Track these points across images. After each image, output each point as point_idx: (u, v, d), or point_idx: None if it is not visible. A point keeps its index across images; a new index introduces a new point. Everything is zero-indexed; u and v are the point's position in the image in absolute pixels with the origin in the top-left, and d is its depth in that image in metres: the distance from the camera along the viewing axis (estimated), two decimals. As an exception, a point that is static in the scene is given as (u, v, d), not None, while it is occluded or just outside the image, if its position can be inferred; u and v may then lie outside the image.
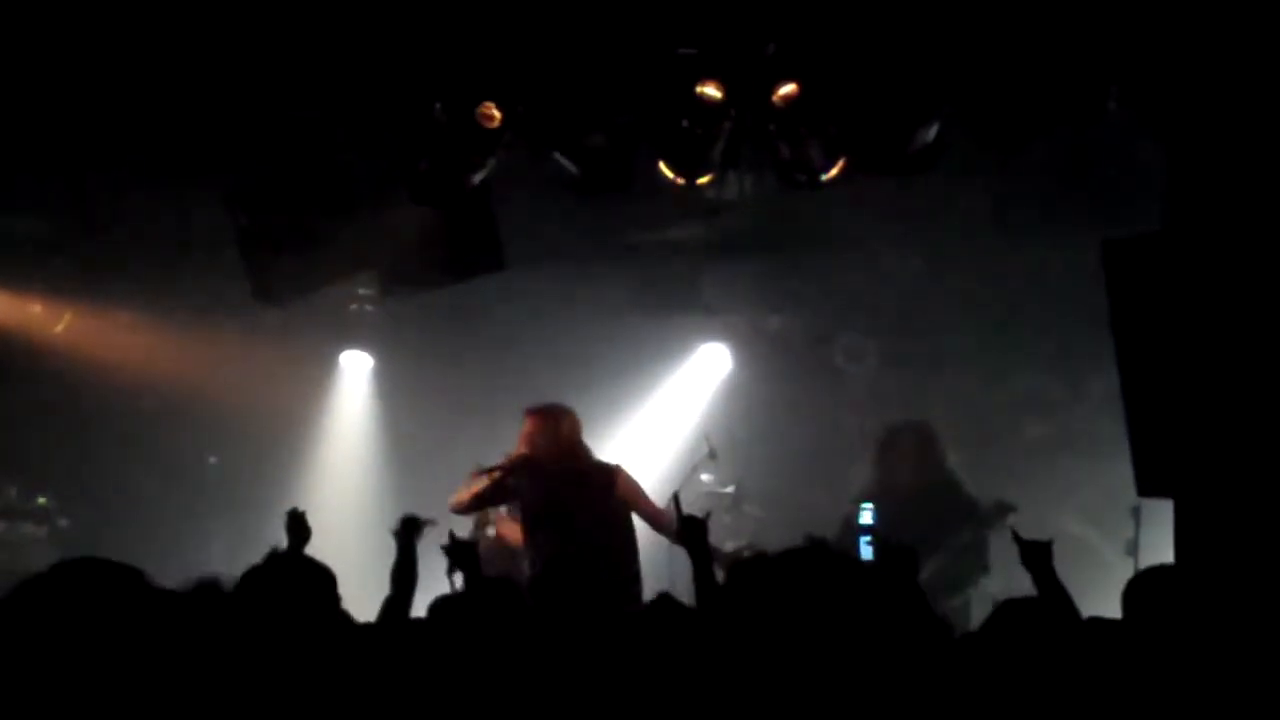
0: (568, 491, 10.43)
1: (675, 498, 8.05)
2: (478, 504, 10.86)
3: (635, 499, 10.52)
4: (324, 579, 6.26)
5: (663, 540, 10.79)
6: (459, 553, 7.76)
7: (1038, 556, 6.87)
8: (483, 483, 10.62)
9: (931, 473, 12.37)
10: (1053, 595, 6.62)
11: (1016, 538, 7.00)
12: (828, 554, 3.77)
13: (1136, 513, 11.47)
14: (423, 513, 8.31)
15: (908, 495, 11.98)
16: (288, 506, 8.44)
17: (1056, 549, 6.89)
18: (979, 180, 11.60)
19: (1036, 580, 6.79)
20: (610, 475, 10.55)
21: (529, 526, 10.63)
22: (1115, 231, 9.43)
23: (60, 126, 10.59)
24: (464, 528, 10.21)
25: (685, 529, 7.36)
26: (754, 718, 3.65)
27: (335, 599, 6.23)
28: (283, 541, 8.05)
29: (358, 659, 5.80)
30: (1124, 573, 11.03)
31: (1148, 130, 9.75)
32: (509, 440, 10.83)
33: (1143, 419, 9.07)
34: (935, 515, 11.60)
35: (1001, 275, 13.45)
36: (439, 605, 6.48)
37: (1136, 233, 9.45)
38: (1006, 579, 9.50)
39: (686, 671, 4.84)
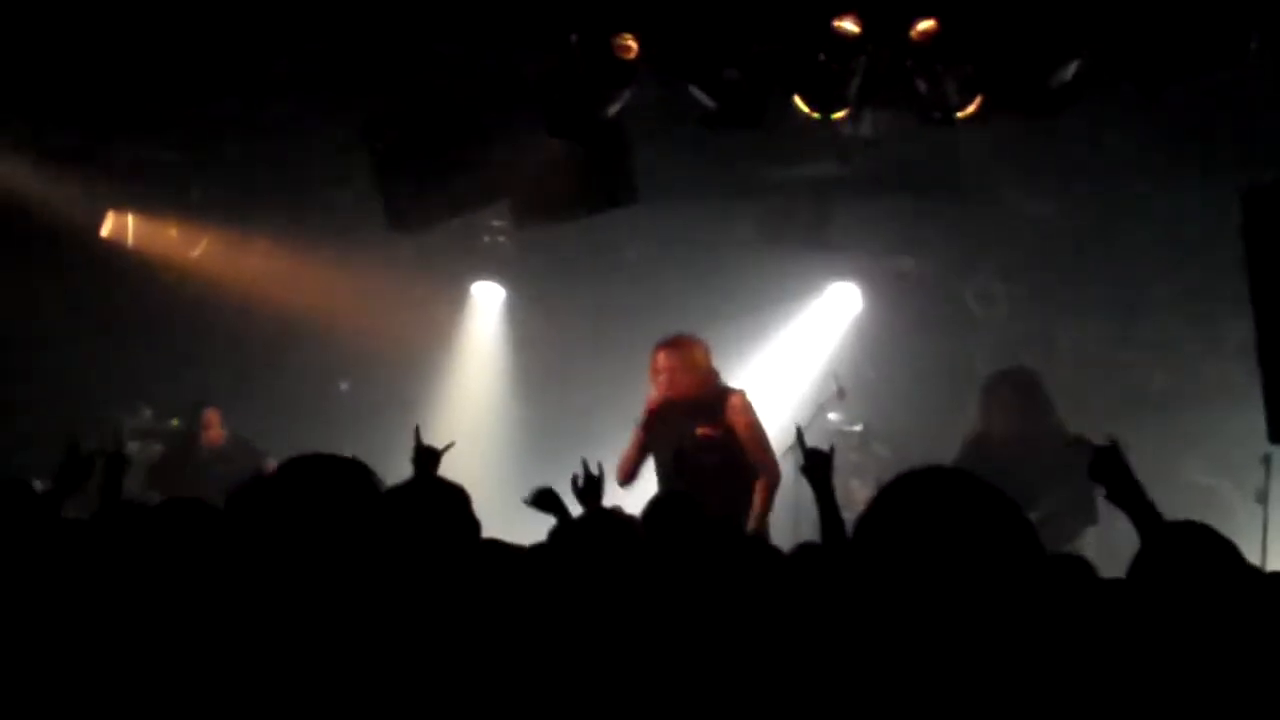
0: (697, 423, 10.35)
1: (799, 432, 8.04)
2: (635, 466, 10.53)
3: (737, 424, 10.29)
4: (458, 499, 6.32)
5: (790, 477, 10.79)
6: (587, 489, 7.89)
7: (1108, 462, 6.24)
8: (632, 439, 10.49)
9: (1032, 422, 12.19)
10: (1136, 505, 6.07)
11: (1085, 443, 6.51)
12: (956, 475, 3.72)
13: (1267, 461, 11.33)
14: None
15: (1005, 443, 11.82)
16: (416, 436, 8.47)
17: (1185, 498, 6.45)
18: (1115, 123, 11.47)
19: (1111, 491, 6.21)
20: (722, 399, 10.40)
21: (660, 463, 10.58)
22: (1253, 178, 9.34)
23: (198, 55, 10.70)
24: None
25: (809, 463, 7.35)
26: (890, 661, 3.60)
27: (471, 519, 6.27)
28: (406, 471, 8.11)
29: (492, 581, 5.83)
30: (1253, 521, 11.04)
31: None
32: (639, 374, 10.82)
33: (1276, 366, 9.00)
34: (1037, 465, 11.38)
35: (1135, 221, 13.33)
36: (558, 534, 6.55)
37: (1276, 180, 9.36)
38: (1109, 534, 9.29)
39: (819, 612, 4.85)
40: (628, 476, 10.42)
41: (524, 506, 7.99)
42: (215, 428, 13.81)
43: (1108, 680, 3.86)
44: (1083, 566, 5.58)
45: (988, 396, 12.27)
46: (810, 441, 7.77)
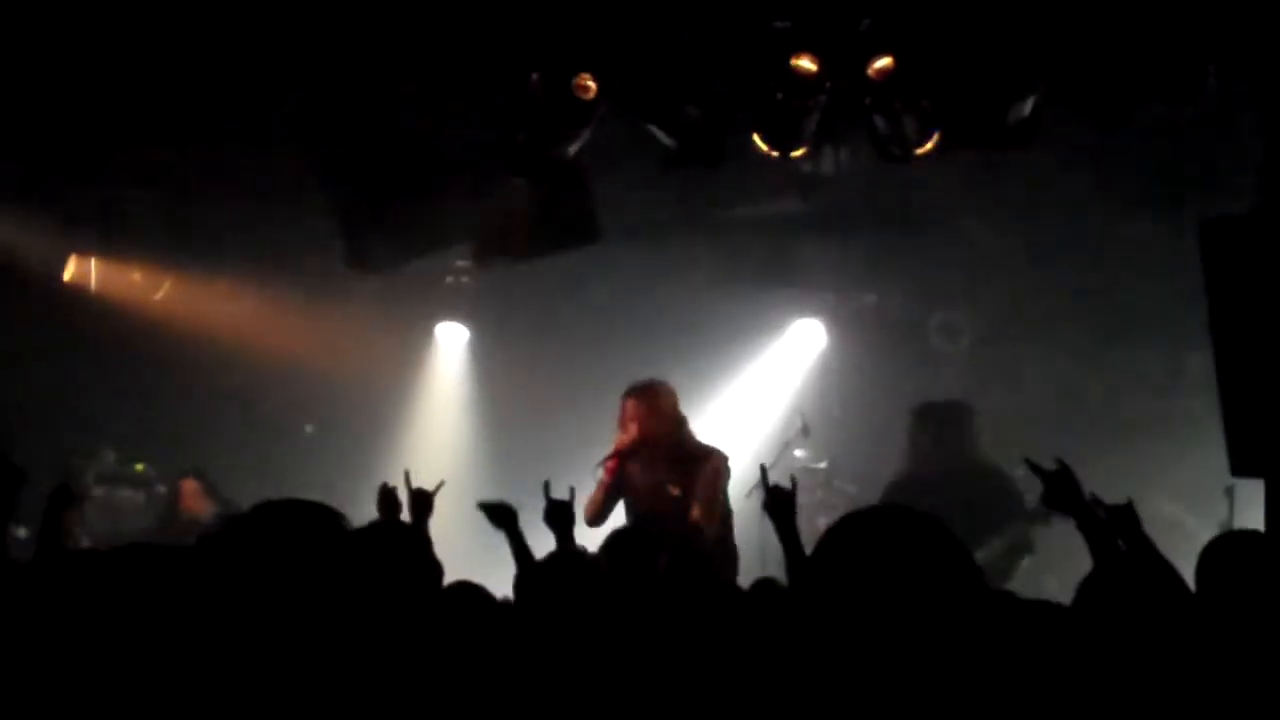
0: (669, 472, 10.33)
1: (763, 470, 8.03)
2: (603, 508, 10.49)
3: (700, 480, 10.22)
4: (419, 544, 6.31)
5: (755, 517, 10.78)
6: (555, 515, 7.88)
7: (1125, 522, 6.41)
8: (600, 481, 10.48)
9: (954, 458, 12.12)
10: (1149, 560, 6.16)
11: (1100, 504, 6.67)
12: (910, 513, 3.73)
13: (1230, 493, 11.35)
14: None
15: (929, 482, 11.75)
16: (381, 479, 8.48)
17: (1151, 530, 6.54)
18: (1076, 158, 11.51)
19: (1129, 547, 6.31)
20: (702, 459, 10.37)
21: (630, 507, 10.54)
22: (1213, 210, 9.37)
23: (160, 98, 10.68)
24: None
25: (771, 500, 7.34)
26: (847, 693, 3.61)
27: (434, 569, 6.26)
28: (374, 514, 8.10)
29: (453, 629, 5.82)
30: (1218, 553, 11.04)
31: (1246, 109, 9.67)
32: (604, 414, 10.82)
33: (1237, 398, 9.01)
34: (963, 502, 11.16)
35: (1099, 254, 13.37)
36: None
37: (1234, 212, 9.39)
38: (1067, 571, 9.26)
39: (779, 649, 4.85)
40: (597, 517, 10.40)
41: (489, 547, 7.98)
42: (192, 497, 13.70)
43: (1050, 710, 3.87)
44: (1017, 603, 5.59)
45: (909, 434, 12.24)
46: (775, 479, 7.76)
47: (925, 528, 3.63)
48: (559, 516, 8.02)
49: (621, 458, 10.43)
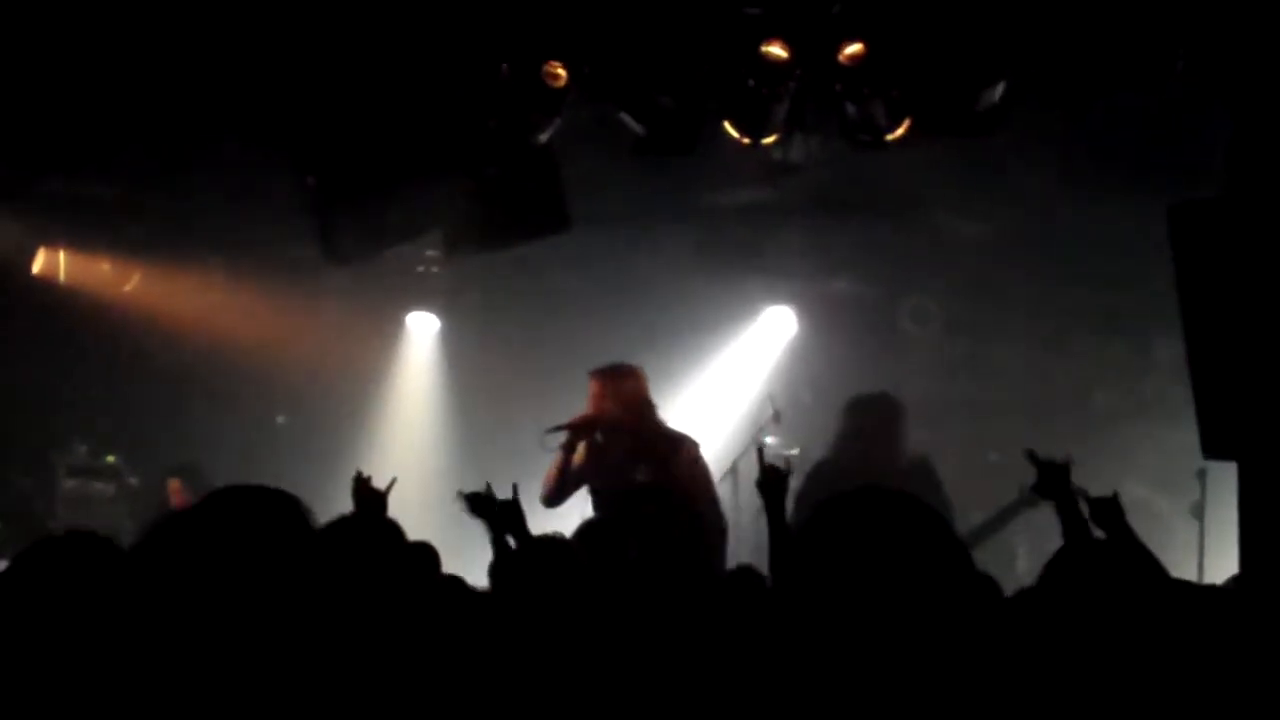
0: (633, 456, 10.27)
1: (759, 449, 7.97)
2: (560, 486, 10.43)
3: (683, 477, 10.07)
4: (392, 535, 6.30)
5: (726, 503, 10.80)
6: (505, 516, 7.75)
7: (1108, 513, 6.59)
8: (554, 458, 10.41)
9: (880, 448, 12.05)
10: (1130, 548, 6.32)
11: (1084, 497, 6.77)
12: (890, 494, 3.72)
13: (1202, 476, 11.41)
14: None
15: (848, 472, 11.66)
16: (355, 468, 8.43)
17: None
18: (1045, 143, 11.54)
19: (1112, 537, 6.46)
20: (674, 446, 10.32)
21: (592, 491, 10.51)
22: (1181, 196, 9.40)
23: (128, 90, 10.65)
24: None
25: (765, 478, 7.34)
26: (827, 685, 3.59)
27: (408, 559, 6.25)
28: (349, 505, 8.06)
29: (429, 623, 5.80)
30: (1189, 536, 11.11)
31: (1214, 94, 9.70)
32: (576, 401, 10.81)
33: (1208, 382, 9.04)
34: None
35: (1068, 240, 13.41)
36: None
37: (1203, 197, 9.42)
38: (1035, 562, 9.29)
39: (761, 636, 4.85)
40: (553, 497, 10.37)
41: (462, 538, 7.94)
42: (176, 495, 13.67)
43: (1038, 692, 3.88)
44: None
45: (842, 425, 12.15)
46: (744, 467, 7.78)
47: (914, 510, 3.63)
48: (512, 519, 7.87)
49: (576, 435, 10.38)
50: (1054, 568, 5.06)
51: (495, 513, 7.65)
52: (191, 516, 4.46)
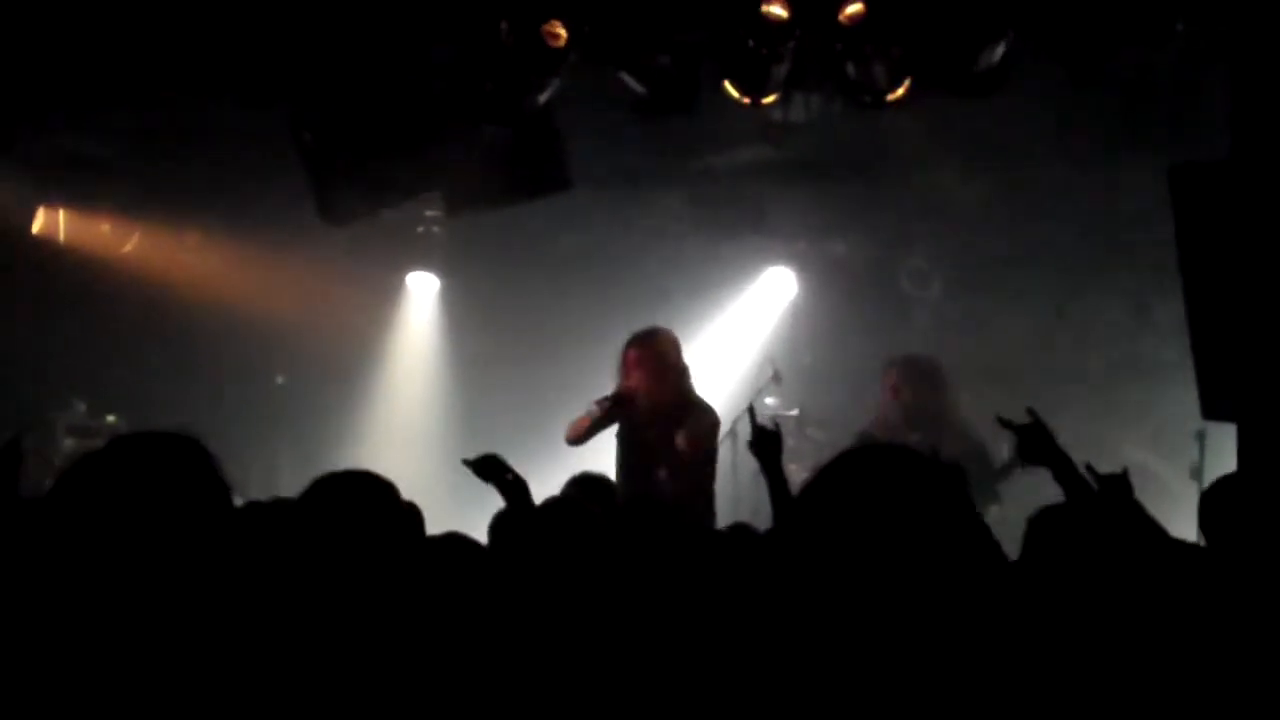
0: (662, 427, 10.26)
1: (750, 410, 7.98)
2: (590, 433, 10.40)
3: (694, 429, 10.19)
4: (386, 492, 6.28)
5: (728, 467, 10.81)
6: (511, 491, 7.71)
7: (1118, 491, 6.25)
8: (593, 413, 10.36)
9: (928, 408, 12.12)
10: (1068, 479, 6.16)
11: (1092, 472, 6.61)
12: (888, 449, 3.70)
13: (1201, 437, 11.40)
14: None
15: (901, 429, 11.74)
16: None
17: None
18: (1045, 104, 11.52)
19: (1051, 468, 6.26)
20: (695, 415, 10.30)
21: (621, 456, 10.50)
22: (1181, 157, 9.40)
23: (129, 48, 10.62)
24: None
25: (757, 440, 7.32)
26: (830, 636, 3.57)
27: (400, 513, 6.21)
28: (343, 463, 8.01)
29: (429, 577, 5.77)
30: (1188, 498, 11.10)
31: (1215, 55, 9.69)
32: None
33: (1207, 343, 9.06)
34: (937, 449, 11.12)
35: (1067, 201, 13.41)
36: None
37: (1203, 158, 9.42)
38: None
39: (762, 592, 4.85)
40: (578, 439, 10.37)
41: (463, 500, 7.91)
42: None
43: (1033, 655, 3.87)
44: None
45: (884, 383, 12.25)
46: (743, 430, 7.75)
47: (924, 468, 3.61)
48: (517, 494, 7.82)
49: (618, 405, 10.36)
50: (1038, 526, 5.06)
51: (504, 473, 7.57)
52: (95, 462, 4.37)
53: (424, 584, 5.47)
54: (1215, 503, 5.94)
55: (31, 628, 4.03)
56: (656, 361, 10.31)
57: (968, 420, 11.97)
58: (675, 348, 10.47)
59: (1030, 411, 6.49)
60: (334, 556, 4.92)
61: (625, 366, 10.40)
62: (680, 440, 10.09)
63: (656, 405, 10.30)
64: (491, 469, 7.56)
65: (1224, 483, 6.18)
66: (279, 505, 5.75)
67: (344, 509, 5.16)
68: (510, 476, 7.41)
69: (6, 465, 6.73)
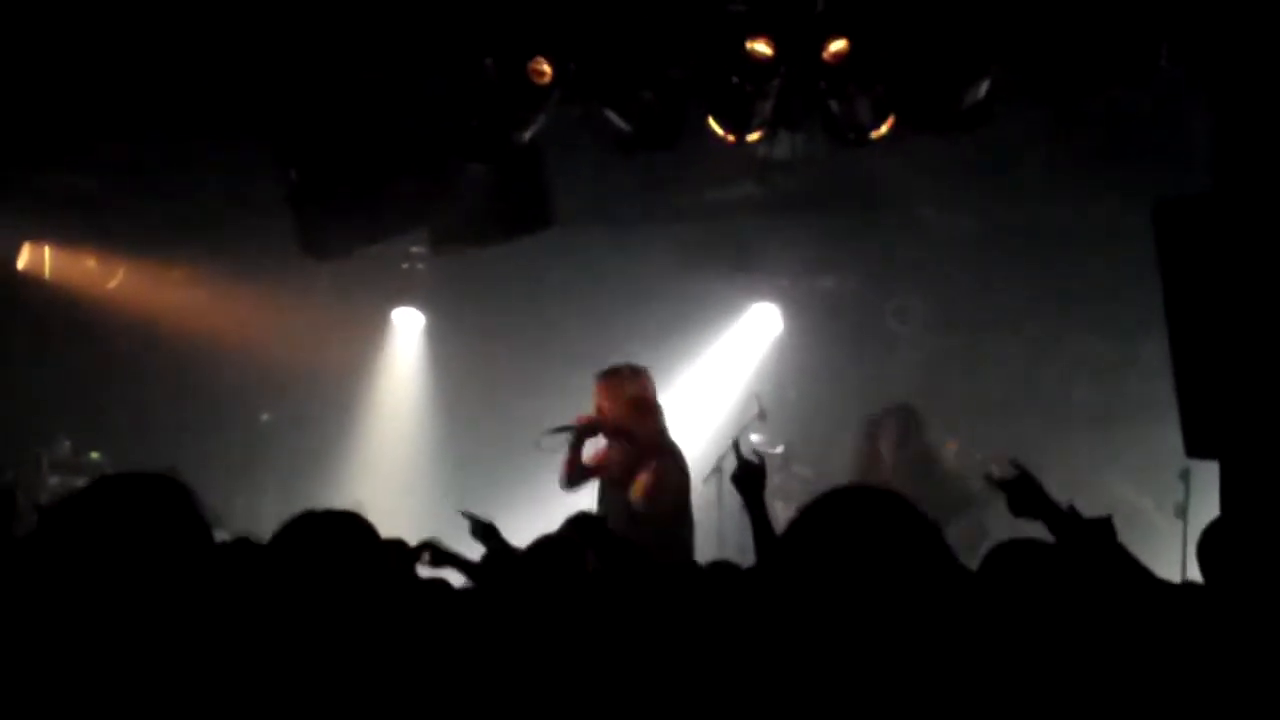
0: (621, 460, 10.15)
1: (735, 444, 7.94)
2: (572, 476, 10.27)
3: (639, 488, 9.88)
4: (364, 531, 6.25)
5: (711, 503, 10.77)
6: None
7: (1102, 535, 6.03)
8: (563, 451, 10.22)
9: (914, 458, 12.14)
10: (1128, 571, 5.93)
11: (1077, 517, 6.50)
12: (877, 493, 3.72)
13: (1186, 475, 11.39)
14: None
15: (889, 479, 11.76)
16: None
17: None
18: (1030, 141, 11.54)
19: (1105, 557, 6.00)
20: (646, 459, 9.98)
21: (600, 488, 10.33)
22: (1166, 193, 9.39)
23: (115, 84, 10.63)
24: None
25: (741, 474, 7.28)
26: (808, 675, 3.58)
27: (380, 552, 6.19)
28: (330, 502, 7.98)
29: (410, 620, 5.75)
30: (1172, 536, 11.09)
31: (1198, 91, 9.70)
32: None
33: (1192, 380, 9.04)
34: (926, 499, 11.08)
35: (1052, 237, 13.42)
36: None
37: (1187, 194, 9.42)
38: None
39: (744, 628, 4.83)
40: (568, 485, 10.29)
41: (448, 538, 7.90)
42: None
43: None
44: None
45: (871, 432, 12.28)
46: (729, 467, 7.72)
47: (901, 509, 3.62)
48: (490, 536, 7.83)
49: (579, 435, 10.27)
50: (993, 561, 5.06)
51: (497, 540, 7.57)
52: (75, 505, 4.37)
53: (402, 625, 5.45)
54: (1214, 543, 5.88)
55: (12, 667, 4.03)
56: (619, 395, 10.16)
57: (950, 461, 11.99)
58: (641, 382, 10.37)
59: (1015, 464, 6.39)
60: (307, 596, 4.90)
61: (594, 400, 10.35)
62: (635, 492, 9.86)
63: (622, 439, 10.15)
64: (484, 535, 7.60)
65: (1222, 523, 6.13)
66: (249, 545, 5.73)
67: (317, 549, 5.14)
68: (496, 545, 7.44)
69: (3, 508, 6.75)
